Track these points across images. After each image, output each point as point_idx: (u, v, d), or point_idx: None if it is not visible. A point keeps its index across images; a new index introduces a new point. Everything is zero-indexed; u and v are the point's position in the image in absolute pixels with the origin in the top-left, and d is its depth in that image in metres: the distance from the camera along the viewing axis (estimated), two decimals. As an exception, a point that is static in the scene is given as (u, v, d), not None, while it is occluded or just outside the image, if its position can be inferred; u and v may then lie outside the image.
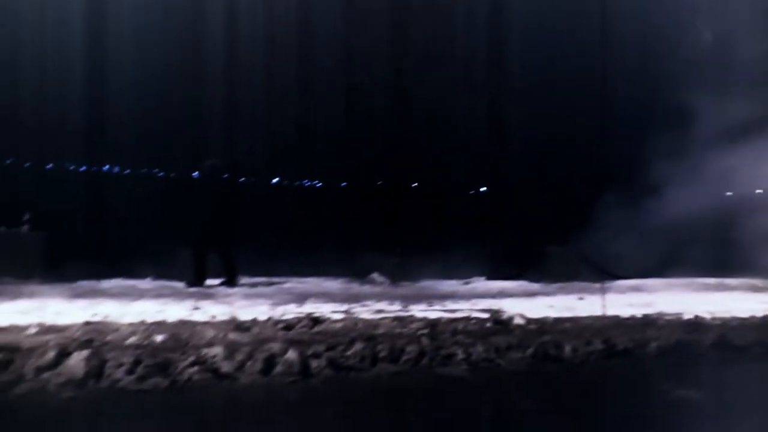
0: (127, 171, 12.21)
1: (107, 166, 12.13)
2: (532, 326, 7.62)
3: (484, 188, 14.27)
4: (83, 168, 12.05)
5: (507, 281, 12.02)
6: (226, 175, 11.16)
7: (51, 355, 6.00)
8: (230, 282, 10.66)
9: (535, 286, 11.68)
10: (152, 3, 12.16)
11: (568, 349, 6.77)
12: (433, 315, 7.98)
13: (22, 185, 11.33)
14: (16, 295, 8.78)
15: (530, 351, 6.72)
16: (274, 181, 13.21)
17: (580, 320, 7.97)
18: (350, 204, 13.35)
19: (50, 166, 11.75)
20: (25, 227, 10.70)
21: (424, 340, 6.69)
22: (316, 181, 13.56)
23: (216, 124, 12.65)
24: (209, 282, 10.58)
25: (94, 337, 6.47)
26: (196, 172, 11.28)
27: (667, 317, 8.39)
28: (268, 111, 13.02)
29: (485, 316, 7.95)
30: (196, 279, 10.50)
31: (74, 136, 11.83)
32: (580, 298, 9.89)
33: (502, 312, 8.16)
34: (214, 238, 10.63)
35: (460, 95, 13.88)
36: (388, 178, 13.77)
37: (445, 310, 8.51)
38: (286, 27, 13.19)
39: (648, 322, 8.11)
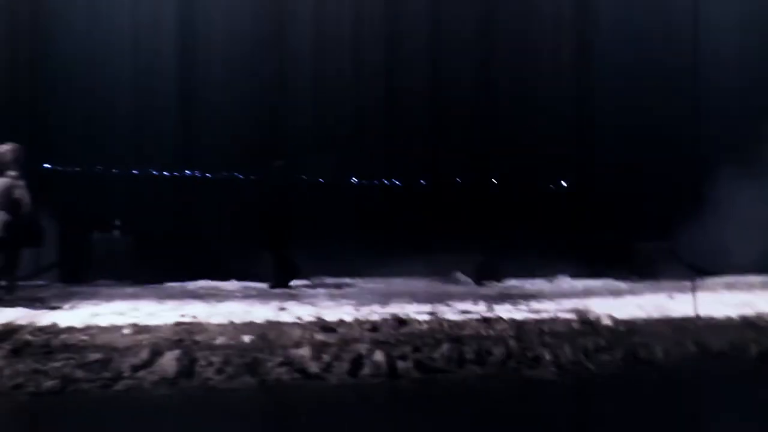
0: (209, 175, 12.50)
1: (190, 171, 12.44)
2: (621, 327, 7.48)
3: (565, 183, 14.02)
4: (168, 173, 12.41)
5: (592, 279, 11.77)
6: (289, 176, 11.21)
7: (145, 354, 6.26)
8: (284, 283, 10.64)
9: (621, 285, 11.39)
10: (237, 9, 12.43)
11: (659, 351, 6.61)
12: (518, 315, 7.93)
13: (111, 191, 11.73)
14: (110, 297, 9.16)
15: (620, 353, 6.60)
16: (354, 180, 13.29)
17: (672, 321, 7.75)
18: (430, 202, 13.31)
19: (136, 171, 12.14)
20: (116, 232, 11.12)
21: (511, 342, 6.67)
22: (396, 180, 13.58)
23: (297, 126, 12.80)
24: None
25: (184, 337, 6.71)
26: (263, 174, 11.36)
27: (768, 318, 8.06)
28: (348, 110, 13.11)
29: (572, 316, 7.83)
30: (280, 280, 10.62)
31: (159, 141, 12.21)
32: (671, 297, 9.58)
33: (589, 312, 8.02)
34: (279, 239, 10.66)
35: (542, 88, 13.67)
36: (467, 174, 13.67)
37: (530, 311, 8.44)
38: (369, 24, 13.26)
39: (746, 323, 7.81)
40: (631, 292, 10.35)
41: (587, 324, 7.48)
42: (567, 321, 7.60)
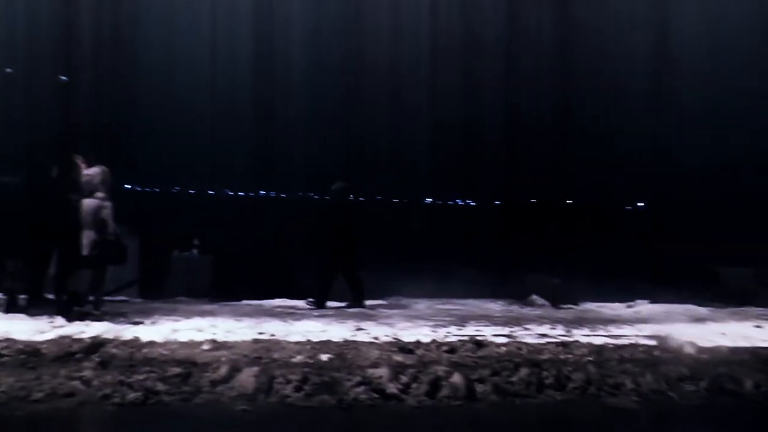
0: (284, 195, 12.69)
1: (266, 191, 12.67)
2: (705, 356, 7.21)
3: (642, 204, 13.72)
4: (244, 193, 12.66)
5: (673, 305, 11.44)
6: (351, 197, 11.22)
7: (224, 370, 6.37)
8: (358, 303, 10.65)
9: (703, 311, 11.00)
10: (312, 32, 12.66)
11: (749, 384, 6.35)
12: (597, 341, 7.78)
13: (190, 211, 12.03)
14: (190, 313, 9.39)
15: (704, 383, 6.38)
16: (428, 200, 13.31)
17: (760, 351, 7.44)
18: (506, 223, 13.21)
19: (212, 192, 12.44)
20: (194, 251, 11.39)
21: (591, 368, 6.52)
22: (470, 200, 13.53)
23: (372, 146, 12.92)
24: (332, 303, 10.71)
25: (262, 354, 6.80)
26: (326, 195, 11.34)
27: None
28: (423, 130, 13.16)
29: (653, 343, 7.63)
30: (321, 301, 10.54)
31: (237, 162, 12.49)
32: (758, 326, 9.23)
33: (671, 339, 7.79)
34: (342, 260, 10.62)
35: (618, 110, 13.45)
36: (543, 195, 13.53)
37: (609, 336, 8.26)
38: (445, 43, 13.31)
39: None
40: (715, 320, 10.00)
41: (669, 351, 7.26)
42: (648, 348, 7.40)
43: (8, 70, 11.70)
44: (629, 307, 11.36)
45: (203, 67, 12.49)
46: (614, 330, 8.75)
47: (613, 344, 7.50)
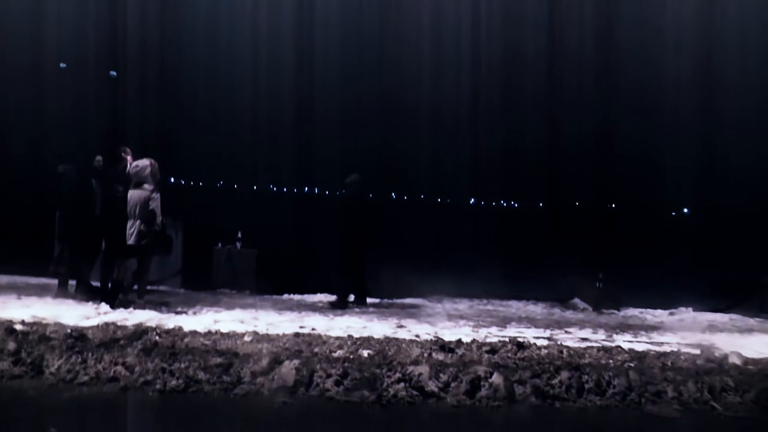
0: (326, 192, 12.76)
1: (307, 187, 12.75)
2: (751, 367, 7.05)
3: (687, 210, 13.49)
4: (287, 189, 12.76)
5: (717, 314, 11.24)
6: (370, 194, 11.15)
7: (265, 362, 6.43)
8: (361, 301, 10.37)
9: (750, 322, 10.78)
10: (353, 32, 12.71)
11: (795, 397, 6.21)
12: (639, 347, 7.66)
13: (235, 205, 12.16)
14: (232, 305, 9.49)
15: (750, 395, 6.24)
16: (472, 201, 13.26)
17: (809, 364, 7.26)
18: (549, 225, 13.11)
19: (255, 187, 12.55)
20: (238, 244, 11.51)
21: (632, 374, 6.43)
22: (513, 202, 13.45)
23: (416, 147, 12.92)
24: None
25: (303, 348, 6.84)
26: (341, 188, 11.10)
27: None
28: (467, 131, 13.13)
29: (696, 351, 7.49)
30: (342, 300, 10.22)
31: (283, 158, 12.61)
32: (807, 338, 9.03)
33: (715, 348, 7.65)
34: (354, 256, 10.32)
35: (666, 115, 13.24)
36: (586, 198, 13.39)
37: (652, 342, 8.15)
38: (489, 47, 13.26)
39: None
40: (762, 330, 9.80)
41: (713, 361, 7.12)
42: (691, 356, 7.26)
43: (62, 64, 11.96)
44: (672, 314, 11.18)
45: (249, 66, 12.63)
46: (656, 337, 8.63)
47: (655, 351, 7.38)
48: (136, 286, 9.15)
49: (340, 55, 12.83)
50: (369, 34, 12.92)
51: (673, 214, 13.46)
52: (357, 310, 9.91)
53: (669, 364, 6.92)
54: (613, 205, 13.25)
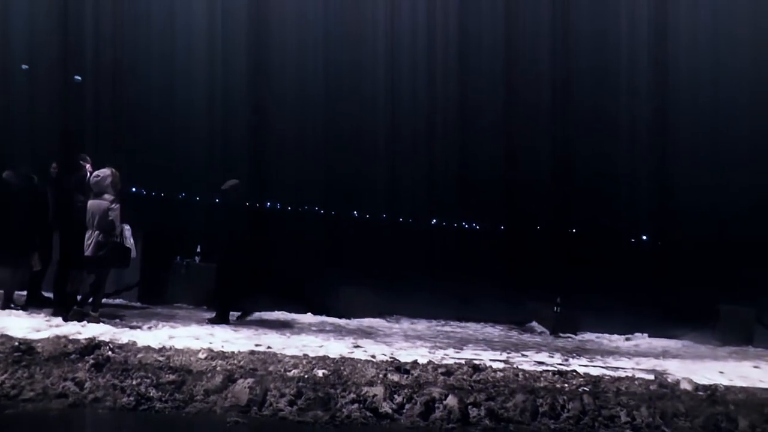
0: (289, 207, 12.71)
1: (269, 203, 12.69)
2: (701, 393, 7.15)
3: (645, 237, 13.71)
4: (247, 203, 12.66)
5: (672, 340, 11.37)
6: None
7: (218, 379, 6.36)
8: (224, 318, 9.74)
9: (702, 349, 10.91)
10: (351, 50, 12.73)
11: (743, 424, 6.30)
12: (594, 371, 7.73)
13: (193, 218, 12.03)
14: (188, 321, 9.37)
15: (699, 421, 6.34)
16: (433, 221, 13.31)
17: (758, 392, 7.38)
18: (508, 248, 13.23)
19: (217, 200, 12.45)
20: (197, 258, 11.36)
21: (586, 398, 6.49)
22: (474, 223, 13.54)
23: (387, 168, 12.97)
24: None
25: (258, 366, 6.77)
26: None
27: None
28: (431, 152, 13.22)
29: (650, 377, 7.57)
30: (224, 315, 9.67)
31: (241, 171, 12.55)
32: (756, 367, 9.16)
33: (668, 374, 7.75)
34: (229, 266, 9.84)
35: (628, 142, 13.49)
36: (547, 223, 13.55)
37: (607, 367, 8.23)
38: (452, 64, 13.36)
39: None
40: (713, 357, 9.94)
41: (665, 387, 7.20)
42: (645, 381, 7.34)
43: (24, 66, 11.79)
44: (628, 339, 11.31)
45: (196, 65, 12.59)
46: (612, 362, 8.72)
47: (609, 376, 7.45)
48: (91, 299, 8.97)
49: (298, 64, 12.83)
50: (362, 56, 12.95)
51: (632, 240, 13.68)
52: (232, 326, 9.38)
53: (623, 389, 6.99)
54: (573, 230, 13.41)
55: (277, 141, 11.69)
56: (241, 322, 9.82)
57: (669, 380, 7.42)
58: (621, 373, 7.72)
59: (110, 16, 11.79)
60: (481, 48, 12.45)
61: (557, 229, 12.97)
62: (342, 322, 10.52)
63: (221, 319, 9.49)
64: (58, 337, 7.24)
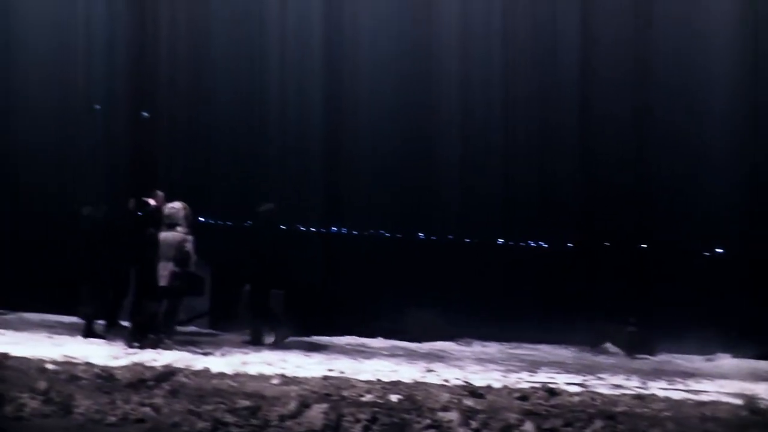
0: (355, 232, 12.73)
1: (335, 228, 12.73)
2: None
3: (723, 250, 13.19)
4: (315, 229, 12.74)
5: (760, 360, 10.89)
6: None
7: (293, 405, 6.38)
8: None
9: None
10: (385, 66, 12.76)
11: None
12: (675, 395, 7.46)
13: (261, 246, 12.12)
14: (260, 347, 9.48)
15: (795, 450, 6.05)
16: (500, 241, 13.12)
17: None
18: (578, 267, 12.91)
19: (284, 227, 12.57)
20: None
21: (669, 425, 6.24)
22: (542, 242, 13.29)
23: (443, 184, 12.85)
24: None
25: (331, 391, 6.77)
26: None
27: None
28: (497, 169, 13.03)
29: (737, 402, 7.25)
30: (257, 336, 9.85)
31: (309, 197, 12.64)
32: None
33: (759, 399, 7.38)
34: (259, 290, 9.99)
35: (703, 150, 13.01)
36: (617, 238, 13.17)
37: (688, 390, 7.94)
38: (524, 81, 13.19)
39: None
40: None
41: (758, 414, 6.85)
42: (732, 407, 7.02)
43: (96, 106, 12.18)
44: (709, 360, 10.87)
45: (276, 105, 12.74)
46: (693, 384, 8.40)
47: (692, 400, 7.17)
48: (166, 327, 9.15)
49: (367, 90, 12.85)
50: (400, 70, 12.93)
51: (707, 254, 13.21)
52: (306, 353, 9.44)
53: (708, 414, 6.70)
54: (644, 245, 13.03)
55: (346, 164, 11.87)
56: (313, 346, 9.88)
57: (761, 406, 7.07)
58: (704, 398, 7.43)
59: (187, 51, 12.13)
60: (554, 63, 12.42)
61: (627, 245, 12.68)
62: (413, 346, 10.49)
63: (256, 342, 9.65)
64: (135, 364, 7.41)
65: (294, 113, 12.69)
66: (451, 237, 12.71)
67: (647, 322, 11.48)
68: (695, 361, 10.68)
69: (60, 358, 7.64)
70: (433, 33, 12.78)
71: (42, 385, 6.64)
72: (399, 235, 12.58)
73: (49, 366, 7.14)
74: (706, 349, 11.14)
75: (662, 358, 10.91)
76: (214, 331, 10.79)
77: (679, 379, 8.73)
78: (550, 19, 12.87)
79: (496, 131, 13.02)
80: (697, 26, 12.55)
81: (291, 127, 12.67)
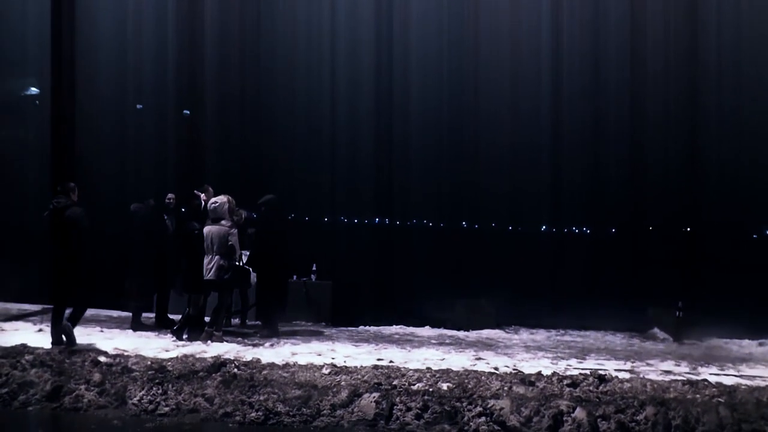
0: (397, 222, 12.75)
1: (377, 219, 12.76)
2: None
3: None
4: (356, 220, 12.79)
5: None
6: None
7: (344, 394, 6.44)
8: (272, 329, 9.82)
9: None
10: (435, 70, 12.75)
11: None
12: (728, 380, 7.34)
13: (307, 238, 12.21)
14: (309, 338, 9.55)
15: None
16: (543, 228, 13.03)
17: None
18: (624, 251, 12.75)
19: (326, 219, 12.63)
20: (313, 276, 11.57)
21: (722, 410, 6.16)
22: (586, 228, 13.16)
23: (490, 175, 12.79)
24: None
25: (382, 380, 6.81)
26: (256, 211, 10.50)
27: None
28: (544, 157, 12.93)
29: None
30: (274, 327, 9.77)
31: (348, 191, 12.69)
32: None
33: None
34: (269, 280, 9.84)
35: (751, 129, 12.74)
36: (661, 222, 12.96)
37: (741, 376, 7.80)
38: (567, 62, 13.04)
39: None
40: None
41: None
42: (789, 392, 6.88)
43: (139, 106, 12.36)
44: (762, 344, 10.65)
45: (321, 100, 12.78)
46: (746, 370, 8.24)
47: (746, 386, 7.05)
48: (215, 320, 9.25)
49: (418, 89, 12.85)
50: (449, 72, 12.92)
51: (755, 236, 12.93)
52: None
53: (764, 399, 6.57)
54: (689, 228, 12.79)
55: (387, 158, 11.85)
56: (362, 336, 9.93)
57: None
58: (759, 383, 7.29)
59: (233, 50, 12.25)
60: (606, 57, 12.33)
61: (673, 227, 12.47)
62: (461, 334, 10.48)
63: (271, 332, 9.64)
64: (186, 356, 7.51)
65: (345, 110, 12.75)
66: (493, 225, 12.67)
67: (695, 306, 11.30)
68: (747, 346, 10.47)
69: (112, 351, 7.78)
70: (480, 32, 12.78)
71: (97, 377, 6.81)
72: (441, 225, 12.59)
73: (103, 359, 7.26)
74: (758, 333, 10.94)
75: (712, 343, 10.73)
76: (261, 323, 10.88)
77: (730, 364, 8.57)
78: (597, 13, 12.78)
79: (541, 122, 12.92)
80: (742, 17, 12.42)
81: (342, 127, 12.74)
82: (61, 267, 8.14)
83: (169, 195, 10.15)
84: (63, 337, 8.05)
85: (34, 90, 12.41)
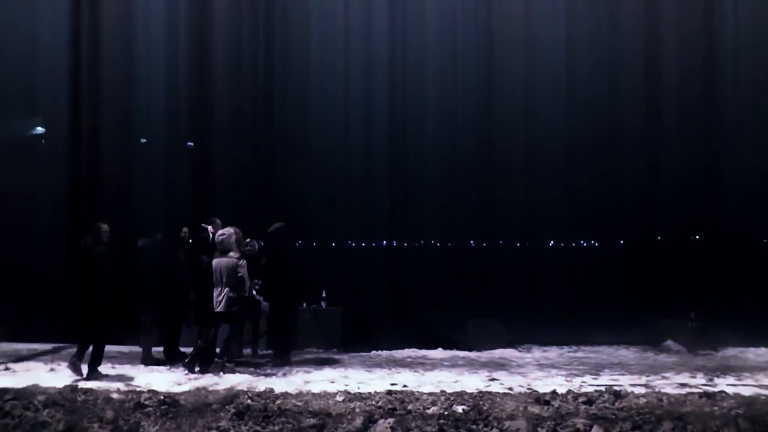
0: (405, 244, 12.72)
1: (384, 241, 12.74)
2: None
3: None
4: (363, 243, 12.76)
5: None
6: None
7: (359, 421, 6.40)
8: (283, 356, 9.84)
9: None
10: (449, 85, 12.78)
11: None
12: (746, 391, 7.28)
13: (316, 263, 12.19)
14: (321, 365, 9.52)
15: None
16: (551, 243, 12.98)
17: None
18: (632, 264, 12.67)
19: (334, 244, 12.61)
20: (323, 303, 11.56)
21: (742, 423, 6.10)
22: (594, 241, 13.10)
23: (503, 193, 12.76)
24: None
25: (396, 405, 6.77)
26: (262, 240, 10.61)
27: None
28: (557, 171, 12.88)
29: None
30: (285, 353, 9.83)
31: (356, 215, 12.69)
32: None
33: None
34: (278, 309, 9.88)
35: (756, 144, 12.72)
36: (670, 233, 12.90)
37: (759, 386, 7.73)
38: (587, 83, 13.02)
39: None
40: None
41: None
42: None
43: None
44: (779, 354, 10.57)
45: (329, 126, 12.79)
46: (764, 379, 8.17)
47: (766, 396, 6.97)
48: (225, 352, 9.22)
49: (431, 110, 12.86)
50: (462, 88, 12.94)
51: (765, 240, 12.86)
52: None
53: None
54: (697, 237, 12.74)
55: (397, 180, 11.86)
56: (374, 361, 9.89)
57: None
58: (778, 392, 7.23)
59: (239, 78, 12.32)
60: (619, 66, 12.37)
61: (683, 236, 12.39)
62: (473, 355, 10.44)
63: (283, 361, 9.61)
64: (198, 389, 7.49)
65: (352, 136, 12.78)
66: (501, 243, 12.64)
67: (708, 316, 11.24)
68: (764, 354, 10.42)
69: (124, 387, 7.76)
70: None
71: (109, 414, 6.78)
72: (449, 244, 12.56)
73: (115, 395, 7.23)
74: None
75: (727, 352, 10.65)
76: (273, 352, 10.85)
77: (747, 374, 8.50)
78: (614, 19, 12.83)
79: (552, 137, 12.91)
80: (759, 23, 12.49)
81: (349, 153, 12.77)
82: (83, 305, 8.37)
83: (184, 229, 10.19)
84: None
85: (40, 129, 12.44)
